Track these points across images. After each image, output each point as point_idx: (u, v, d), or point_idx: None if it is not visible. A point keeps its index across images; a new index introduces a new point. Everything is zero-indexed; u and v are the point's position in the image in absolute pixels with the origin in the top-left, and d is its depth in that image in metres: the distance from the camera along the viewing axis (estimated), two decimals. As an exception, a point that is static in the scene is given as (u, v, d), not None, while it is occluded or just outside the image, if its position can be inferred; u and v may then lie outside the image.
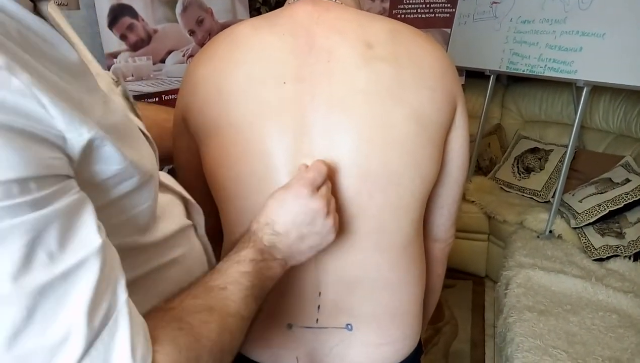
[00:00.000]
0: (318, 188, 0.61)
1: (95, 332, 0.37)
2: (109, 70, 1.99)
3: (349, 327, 0.72)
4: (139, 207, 0.52)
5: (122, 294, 0.41)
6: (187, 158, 0.76)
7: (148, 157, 0.53)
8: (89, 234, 0.38)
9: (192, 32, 2.28)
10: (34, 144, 0.35)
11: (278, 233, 0.60)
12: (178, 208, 0.65)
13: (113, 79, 0.60)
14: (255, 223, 0.61)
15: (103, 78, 0.55)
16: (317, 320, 0.71)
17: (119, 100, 0.58)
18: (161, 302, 0.52)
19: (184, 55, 2.25)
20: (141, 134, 0.55)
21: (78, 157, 0.40)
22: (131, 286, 0.42)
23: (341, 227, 0.66)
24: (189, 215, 0.67)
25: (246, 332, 0.56)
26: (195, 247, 0.66)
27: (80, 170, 0.41)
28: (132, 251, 0.52)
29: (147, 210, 0.53)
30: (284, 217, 0.60)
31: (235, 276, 0.56)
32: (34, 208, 0.35)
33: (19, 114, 0.35)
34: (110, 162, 0.44)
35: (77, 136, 0.39)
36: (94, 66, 0.56)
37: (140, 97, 2.11)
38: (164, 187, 0.61)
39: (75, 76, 0.43)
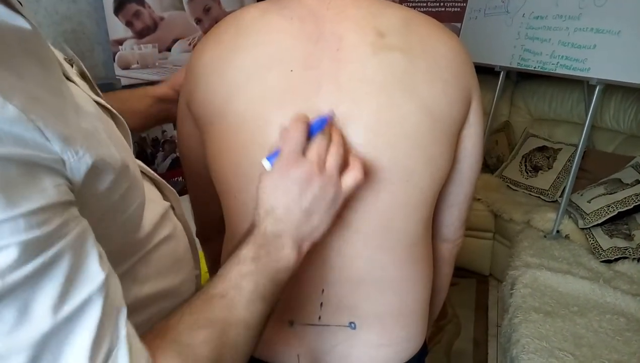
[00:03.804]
0: (305, 150, 0.56)
1: None
2: (114, 57, 1.97)
3: (353, 325, 0.70)
4: (133, 205, 0.50)
5: (123, 329, 0.39)
6: (191, 145, 0.74)
7: (122, 146, 0.51)
8: (93, 268, 0.37)
9: (199, 21, 2.26)
10: (36, 173, 0.34)
11: (281, 219, 0.56)
12: (153, 193, 0.63)
13: (66, 59, 0.58)
14: (257, 216, 0.57)
15: (58, 57, 0.53)
16: (319, 317, 0.69)
17: (78, 80, 0.55)
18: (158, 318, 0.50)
19: (190, 44, 2.22)
20: (110, 122, 0.53)
21: (81, 180, 0.39)
22: (121, 276, 0.42)
23: (346, 223, 0.63)
24: (164, 196, 0.65)
25: (258, 337, 0.53)
26: (177, 227, 0.64)
27: (82, 191, 0.39)
28: (125, 246, 0.51)
29: (139, 207, 0.52)
30: (281, 198, 0.56)
31: (236, 280, 0.52)
32: (42, 246, 0.33)
33: (17, 143, 0.33)
34: (105, 173, 0.43)
35: (75, 158, 0.38)
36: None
37: (145, 85, 2.09)
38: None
39: (46, 67, 0.41)
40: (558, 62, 2.26)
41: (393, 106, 0.61)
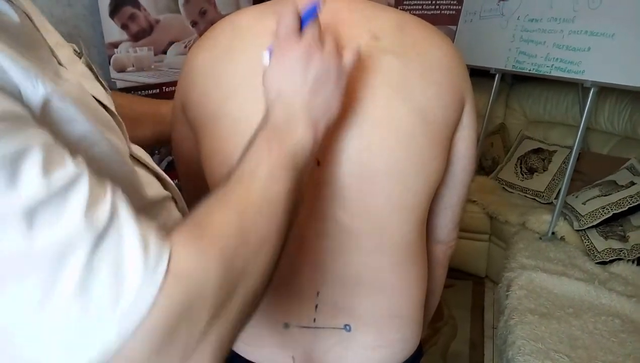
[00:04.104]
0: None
1: (101, 231, 0.35)
2: (109, 60, 1.96)
3: (348, 327, 0.70)
4: (116, 172, 0.49)
5: (122, 199, 0.39)
6: (186, 148, 0.74)
7: (103, 120, 0.51)
8: (69, 161, 0.37)
9: (194, 24, 2.25)
10: None
11: (289, 102, 0.54)
12: (152, 180, 0.62)
13: (75, 50, 0.58)
14: (266, 109, 0.55)
15: (64, 48, 0.52)
16: (314, 319, 0.69)
17: (81, 67, 0.55)
18: None
19: (185, 47, 2.22)
20: (98, 106, 0.53)
21: (38, 113, 0.38)
22: None
23: (341, 226, 0.64)
24: (166, 188, 0.65)
25: (287, 215, 0.50)
26: (175, 220, 0.63)
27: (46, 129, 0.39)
28: None
29: (125, 175, 0.51)
30: (285, 82, 0.54)
31: (249, 168, 0.49)
32: (10, 134, 0.33)
33: None
34: (74, 122, 0.43)
35: (32, 88, 0.38)
36: (54, 36, 0.53)
37: (141, 88, 2.09)
38: (136, 160, 0.59)
39: (25, 46, 0.41)
40: (553, 65, 2.27)
41: (387, 109, 0.61)
